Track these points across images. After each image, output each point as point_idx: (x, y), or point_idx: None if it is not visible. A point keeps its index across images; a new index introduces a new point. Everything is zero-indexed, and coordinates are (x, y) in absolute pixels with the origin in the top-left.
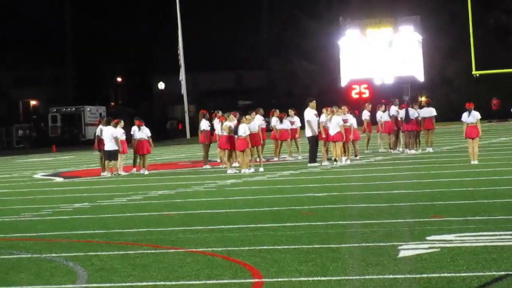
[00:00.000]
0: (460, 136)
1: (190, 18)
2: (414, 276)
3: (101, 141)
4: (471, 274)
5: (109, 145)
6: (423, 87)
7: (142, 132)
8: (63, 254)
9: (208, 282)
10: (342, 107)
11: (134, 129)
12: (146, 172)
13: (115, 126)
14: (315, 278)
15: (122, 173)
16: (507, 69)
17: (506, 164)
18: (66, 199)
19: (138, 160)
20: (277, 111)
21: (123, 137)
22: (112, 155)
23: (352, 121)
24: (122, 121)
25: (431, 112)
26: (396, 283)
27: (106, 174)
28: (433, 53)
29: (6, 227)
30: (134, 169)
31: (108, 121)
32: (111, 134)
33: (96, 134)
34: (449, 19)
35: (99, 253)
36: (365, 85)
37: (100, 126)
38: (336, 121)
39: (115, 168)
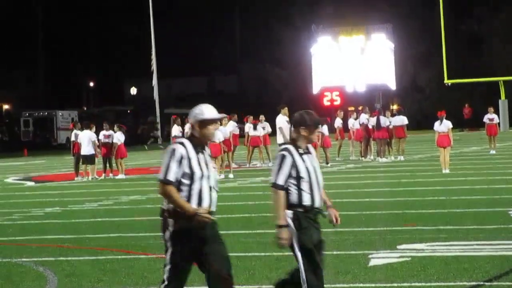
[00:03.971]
0: (432, 145)
1: (163, 23)
2: (384, 284)
3: (75, 145)
4: (442, 283)
5: (87, 149)
6: (395, 95)
7: (123, 136)
8: (34, 259)
9: None
10: None
11: (113, 133)
12: (123, 176)
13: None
14: None
15: (103, 176)
16: (479, 78)
17: (477, 174)
18: (37, 203)
19: (107, 164)
20: (251, 117)
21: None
22: (89, 159)
23: (322, 128)
24: (94, 126)
25: (402, 120)
26: None
27: (80, 178)
28: (405, 61)
29: None
30: (111, 174)
31: (86, 125)
32: (89, 138)
33: (71, 139)
34: (421, 27)
35: (69, 258)
36: (337, 93)
37: (75, 131)
38: None
39: (93, 171)
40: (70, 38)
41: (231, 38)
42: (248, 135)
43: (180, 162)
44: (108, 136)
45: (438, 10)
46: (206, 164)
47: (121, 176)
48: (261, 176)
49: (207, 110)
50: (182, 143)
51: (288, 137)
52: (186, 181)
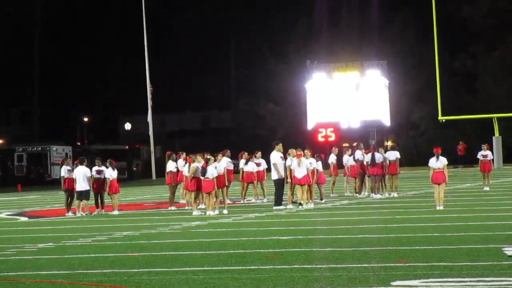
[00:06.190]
0: (426, 181)
1: (158, 58)
2: None
3: (66, 181)
4: None
5: (82, 185)
6: (389, 131)
7: (114, 172)
8: None
9: None
10: (305, 151)
11: (104, 169)
12: (117, 212)
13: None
14: None
15: (96, 212)
16: (473, 115)
17: (471, 210)
18: (31, 238)
19: (99, 200)
20: (246, 153)
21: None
22: (84, 195)
23: (317, 164)
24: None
25: (395, 155)
26: None
27: (72, 214)
28: (399, 98)
29: None
30: (103, 210)
31: (81, 160)
32: (84, 174)
33: (61, 174)
34: (415, 64)
35: None
36: (331, 129)
37: (64, 166)
38: (305, 164)
39: (87, 207)
40: (65, 74)
41: (225, 74)
42: (243, 171)
43: None
44: (100, 172)
45: (433, 47)
46: None
47: (115, 211)
48: (255, 212)
49: None
50: None
51: (282, 173)
52: None
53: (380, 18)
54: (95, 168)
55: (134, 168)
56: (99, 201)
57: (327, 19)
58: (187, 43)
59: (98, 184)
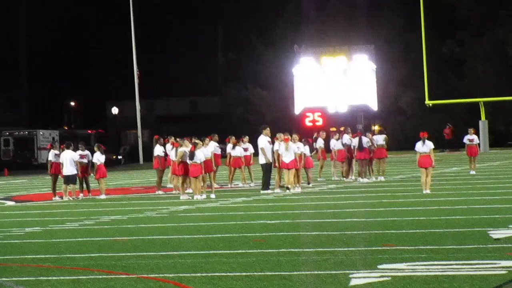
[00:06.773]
0: (413, 165)
1: (145, 43)
2: None
3: (52, 165)
4: None
5: (69, 169)
6: (376, 116)
7: (102, 156)
8: (14, 279)
9: None
10: (293, 135)
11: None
12: (104, 196)
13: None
14: None
15: (80, 197)
16: (460, 99)
17: (458, 194)
18: (18, 223)
19: (85, 185)
20: (233, 137)
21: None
22: (71, 179)
23: (304, 149)
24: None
25: (382, 138)
26: None
27: (59, 198)
28: (387, 82)
29: None
30: (89, 194)
31: (68, 145)
32: (71, 158)
33: (49, 159)
34: (403, 49)
35: (50, 278)
36: (319, 113)
37: (52, 150)
38: (292, 148)
39: (74, 192)
40: (52, 58)
41: (213, 59)
42: (230, 156)
43: None
44: (84, 156)
45: (420, 32)
46: None
47: (102, 196)
48: (243, 197)
49: None
50: None
51: (270, 157)
52: None
53: (368, 2)
54: (78, 152)
55: (121, 151)
56: (85, 185)
57: (315, 3)
58: (174, 28)
59: (83, 169)
